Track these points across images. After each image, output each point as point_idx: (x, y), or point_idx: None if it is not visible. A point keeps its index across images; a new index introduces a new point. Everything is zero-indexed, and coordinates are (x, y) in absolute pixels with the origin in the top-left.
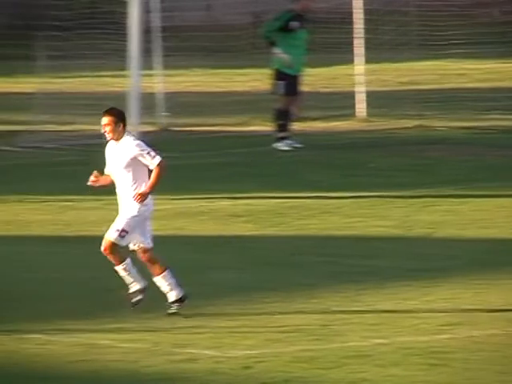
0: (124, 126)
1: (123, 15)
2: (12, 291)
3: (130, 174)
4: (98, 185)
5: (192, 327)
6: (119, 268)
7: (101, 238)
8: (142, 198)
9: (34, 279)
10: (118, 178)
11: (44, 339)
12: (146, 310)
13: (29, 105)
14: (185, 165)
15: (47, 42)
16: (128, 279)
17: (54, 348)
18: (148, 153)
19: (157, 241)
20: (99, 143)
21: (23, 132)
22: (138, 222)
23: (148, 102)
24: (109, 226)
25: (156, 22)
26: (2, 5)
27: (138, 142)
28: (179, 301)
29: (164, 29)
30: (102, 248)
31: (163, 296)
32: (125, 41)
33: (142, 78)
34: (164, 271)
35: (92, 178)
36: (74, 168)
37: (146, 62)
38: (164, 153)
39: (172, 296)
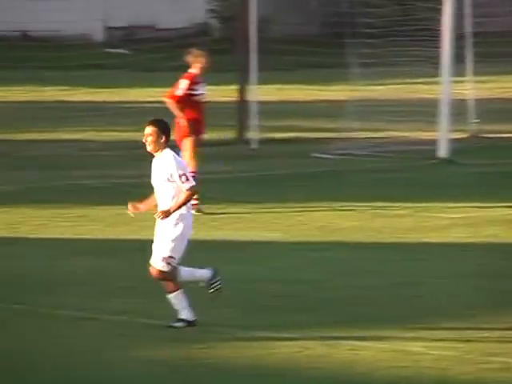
0: (166, 139)
1: (436, 22)
2: (322, 297)
3: (169, 188)
4: (140, 211)
5: (503, 337)
6: (171, 296)
7: (416, 245)
8: (165, 215)
9: (349, 285)
10: (158, 191)
11: (355, 345)
12: (453, 318)
13: (340, 112)
14: (494, 172)
15: (359, 50)
16: (179, 306)
17: (366, 354)
18: (183, 175)
19: (467, 248)
20: (412, 150)
21: (336, 139)
22: (182, 242)
23: (459, 109)
24: (421, 234)
25: (468, 28)
26: (313, 14)
27: (179, 160)
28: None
29: (475, 35)
30: (153, 275)
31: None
32: (437, 47)
33: (453, 85)
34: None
35: (130, 208)
36: (386, 175)
37: (458, 69)
38: (474, 159)
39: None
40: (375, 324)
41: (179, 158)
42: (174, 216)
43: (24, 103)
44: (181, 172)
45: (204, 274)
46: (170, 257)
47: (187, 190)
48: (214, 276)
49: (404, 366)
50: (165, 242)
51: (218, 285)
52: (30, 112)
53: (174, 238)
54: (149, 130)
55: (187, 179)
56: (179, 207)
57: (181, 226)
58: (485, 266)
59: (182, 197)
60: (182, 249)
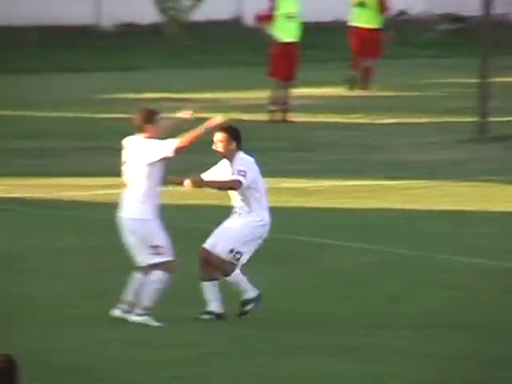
0: (237, 145)
1: None
2: None
3: (245, 193)
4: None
5: None
6: (208, 284)
7: None
8: (196, 184)
9: None
10: (234, 195)
11: None
12: None
13: None
14: None
15: None
16: (212, 297)
17: None
18: (242, 170)
19: None
20: None
21: None
22: (255, 242)
23: None
24: None
25: None
26: None
27: (246, 160)
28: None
29: None
30: (205, 259)
31: None
32: None
33: None
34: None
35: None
36: None
37: None
38: None
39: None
40: None
41: (248, 159)
42: (257, 215)
43: None
44: (241, 168)
45: (250, 290)
46: (238, 252)
47: (232, 179)
48: (256, 299)
49: None
50: (238, 233)
51: (250, 309)
52: None
53: (249, 233)
54: (219, 136)
55: (241, 174)
56: (212, 184)
57: (261, 226)
58: None
59: (225, 179)
60: (252, 250)
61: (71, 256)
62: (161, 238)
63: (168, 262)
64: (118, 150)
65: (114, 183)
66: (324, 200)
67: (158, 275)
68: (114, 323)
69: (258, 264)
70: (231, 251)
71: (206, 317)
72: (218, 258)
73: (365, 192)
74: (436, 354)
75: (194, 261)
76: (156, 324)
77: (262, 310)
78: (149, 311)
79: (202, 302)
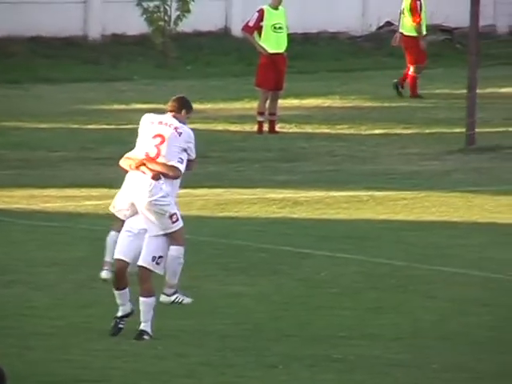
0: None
1: None
2: None
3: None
4: None
5: None
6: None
7: None
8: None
9: None
10: None
11: None
12: None
13: None
14: None
15: None
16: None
17: None
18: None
19: None
20: None
21: None
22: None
23: None
24: None
25: None
26: None
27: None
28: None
29: None
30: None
31: None
32: None
33: None
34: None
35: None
36: None
37: None
38: None
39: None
40: None
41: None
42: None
43: None
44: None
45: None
46: (161, 256)
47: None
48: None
49: None
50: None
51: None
52: None
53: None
54: None
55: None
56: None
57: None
58: None
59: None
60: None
61: (54, 267)
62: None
63: (182, 229)
64: (104, 161)
65: (100, 194)
66: (311, 211)
67: (177, 250)
68: (99, 334)
69: (243, 274)
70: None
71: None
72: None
73: (352, 203)
74: (418, 365)
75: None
76: (189, 300)
77: (246, 321)
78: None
79: (187, 313)
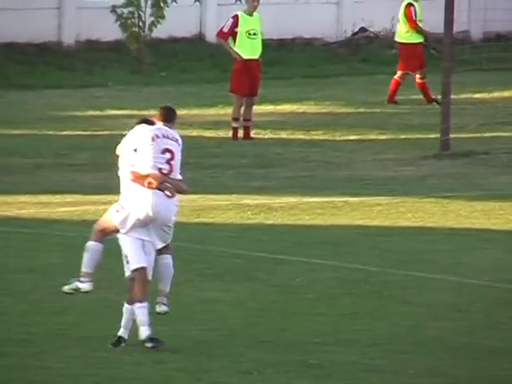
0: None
1: None
2: None
3: None
4: None
5: None
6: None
7: None
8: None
9: None
10: None
11: None
12: None
13: None
14: None
15: None
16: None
17: None
18: None
19: None
20: None
21: None
22: None
23: None
24: None
25: None
26: None
27: None
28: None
29: None
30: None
31: None
32: None
33: None
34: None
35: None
36: None
37: None
38: None
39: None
40: None
41: None
42: None
43: None
44: None
45: None
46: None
47: None
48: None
49: None
50: None
51: None
52: None
53: None
54: None
55: None
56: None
57: None
58: None
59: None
60: None
61: (29, 273)
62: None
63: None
64: (79, 168)
65: (74, 201)
66: (285, 216)
67: (169, 258)
68: (74, 341)
69: (218, 280)
70: None
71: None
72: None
73: (327, 209)
74: (394, 370)
75: None
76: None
77: (222, 327)
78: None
79: (163, 319)
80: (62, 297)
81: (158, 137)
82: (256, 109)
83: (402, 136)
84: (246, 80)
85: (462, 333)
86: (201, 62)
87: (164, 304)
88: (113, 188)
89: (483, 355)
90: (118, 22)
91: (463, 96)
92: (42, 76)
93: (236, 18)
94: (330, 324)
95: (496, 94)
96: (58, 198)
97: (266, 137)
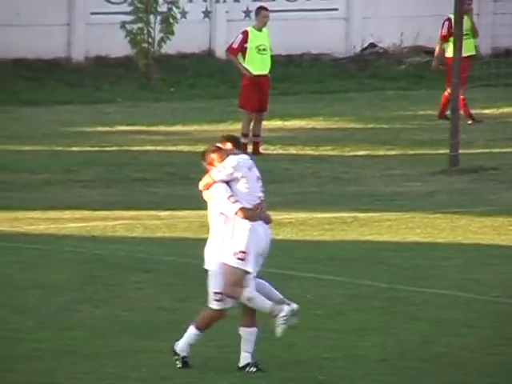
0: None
1: None
2: None
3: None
4: None
5: None
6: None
7: None
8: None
9: None
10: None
11: None
12: None
13: None
14: None
15: None
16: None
17: None
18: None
19: None
20: None
21: None
22: None
23: None
24: None
25: None
26: None
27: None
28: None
29: None
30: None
31: None
32: None
33: None
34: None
35: None
36: None
37: None
38: None
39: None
40: None
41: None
42: None
43: None
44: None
45: None
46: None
47: None
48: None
49: None
50: None
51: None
52: None
53: None
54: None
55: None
56: None
57: None
58: None
59: None
60: None
61: (38, 289)
62: None
63: None
64: (88, 184)
65: (83, 217)
66: (295, 232)
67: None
68: (83, 357)
69: None
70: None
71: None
72: None
73: (336, 224)
74: None
75: (156, 293)
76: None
77: (230, 343)
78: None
79: (172, 335)
80: (71, 313)
81: (251, 167)
82: (265, 124)
83: (411, 152)
84: (255, 96)
85: (471, 349)
86: (210, 78)
87: (288, 304)
88: (121, 204)
89: (492, 371)
90: (128, 38)
91: (472, 112)
92: (51, 92)
93: (246, 33)
94: (339, 340)
95: (505, 110)
96: (66, 214)
97: (275, 152)
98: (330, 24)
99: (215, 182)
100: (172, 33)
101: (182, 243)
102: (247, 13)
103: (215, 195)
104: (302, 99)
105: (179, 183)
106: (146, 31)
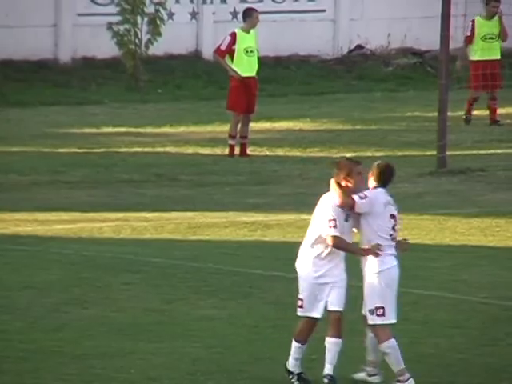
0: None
1: None
2: None
3: None
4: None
5: None
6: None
7: None
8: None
9: None
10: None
11: None
12: None
13: None
14: None
15: None
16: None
17: None
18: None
19: None
20: None
21: None
22: None
23: None
24: None
25: None
26: None
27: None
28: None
29: None
30: None
31: None
32: None
33: None
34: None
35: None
36: None
37: None
38: None
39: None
40: None
41: None
42: None
43: None
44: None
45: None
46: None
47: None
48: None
49: None
50: None
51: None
52: None
53: None
54: None
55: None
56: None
57: None
58: None
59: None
60: None
61: (26, 290)
62: None
63: None
64: (75, 185)
65: (71, 218)
66: (282, 234)
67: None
68: (70, 358)
69: (214, 297)
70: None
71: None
72: None
73: None
74: None
75: (144, 294)
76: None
77: (218, 344)
78: None
79: (159, 336)
80: (59, 314)
81: (388, 203)
82: (252, 126)
83: (399, 153)
84: (243, 97)
85: (459, 349)
86: (197, 79)
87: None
88: (108, 205)
89: (480, 372)
90: (115, 40)
91: (460, 113)
92: (38, 93)
93: (234, 35)
94: None
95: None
96: (54, 216)
97: (262, 154)
98: (317, 25)
99: (354, 202)
100: (159, 34)
101: (170, 244)
102: (234, 14)
103: (329, 211)
104: (290, 101)
105: (167, 184)
106: (132, 32)
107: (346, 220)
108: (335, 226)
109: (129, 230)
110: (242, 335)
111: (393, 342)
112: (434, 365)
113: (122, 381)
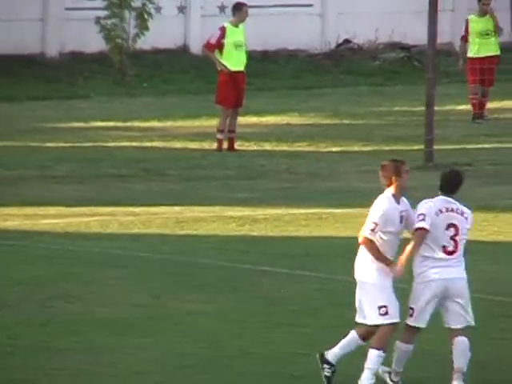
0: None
1: None
2: None
3: None
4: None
5: None
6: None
7: None
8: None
9: None
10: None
11: None
12: None
13: None
14: None
15: None
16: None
17: None
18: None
19: None
20: None
21: None
22: None
23: None
24: None
25: None
26: None
27: None
28: None
29: None
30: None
31: None
32: None
33: None
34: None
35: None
36: None
37: None
38: None
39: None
40: None
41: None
42: None
43: None
44: None
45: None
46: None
47: None
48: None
49: None
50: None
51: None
52: None
53: None
54: None
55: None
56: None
57: None
58: None
59: None
60: None
61: (13, 286)
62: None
63: None
64: (63, 179)
65: (58, 213)
66: (270, 228)
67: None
68: (58, 353)
69: (202, 292)
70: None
71: None
72: None
73: (311, 220)
74: (381, 381)
75: (132, 289)
76: None
77: (205, 338)
78: None
79: (147, 331)
80: (47, 309)
81: (441, 211)
82: (240, 120)
83: (386, 147)
84: (232, 92)
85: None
86: (185, 74)
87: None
88: (96, 200)
89: (473, 367)
90: (102, 34)
91: (447, 107)
92: (25, 88)
93: (223, 29)
94: (315, 335)
95: None
96: (41, 210)
97: (250, 148)
98: (305, 20)
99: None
100: (147, 28)
101: (158, 239)
102: (222, 8)
103: (374, 214)
104: (278, 95)
105: (155, 179)
106: (120, 27)
107: (401, 221)
108: (373, 230)
109: (116, 225)
110: (230, 330)
111: (409, 347)
112: (426, 360)
113: (109, 375)
